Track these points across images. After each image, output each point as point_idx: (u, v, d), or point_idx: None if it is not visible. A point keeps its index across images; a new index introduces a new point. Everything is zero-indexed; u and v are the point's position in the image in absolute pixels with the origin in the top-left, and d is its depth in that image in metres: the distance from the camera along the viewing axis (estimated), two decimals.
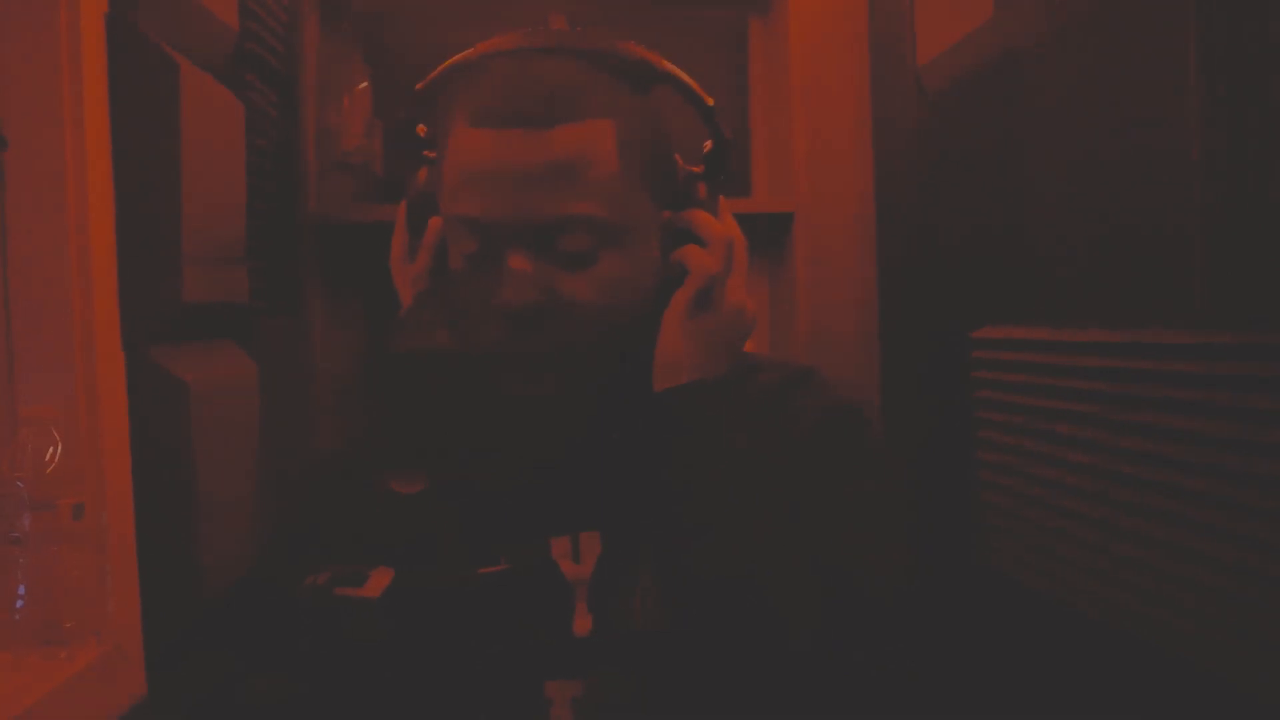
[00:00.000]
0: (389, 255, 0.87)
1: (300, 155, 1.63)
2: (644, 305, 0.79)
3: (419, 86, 0.85)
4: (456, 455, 0.79)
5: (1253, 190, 0.93)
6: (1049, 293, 1.26)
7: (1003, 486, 1.33)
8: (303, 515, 0.88)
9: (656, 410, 0.77)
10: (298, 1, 1.61)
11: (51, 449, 0.89)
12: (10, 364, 0.94)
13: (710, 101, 0.83)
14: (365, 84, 1.79)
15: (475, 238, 0.76)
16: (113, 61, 0.98)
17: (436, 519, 0.77)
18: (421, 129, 0.86)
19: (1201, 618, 0.97)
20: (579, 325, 0.75)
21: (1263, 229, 0.92)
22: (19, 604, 0.88)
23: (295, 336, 1.58)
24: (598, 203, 0.74)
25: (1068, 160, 1.22)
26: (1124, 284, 1.11)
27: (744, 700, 0.72)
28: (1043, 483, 1.24)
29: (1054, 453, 1.21)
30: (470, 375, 0.75)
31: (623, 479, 0.79)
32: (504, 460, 0.81)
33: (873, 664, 0.72)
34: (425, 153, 0.86)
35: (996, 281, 1.40)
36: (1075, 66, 1.21)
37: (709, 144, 0.85)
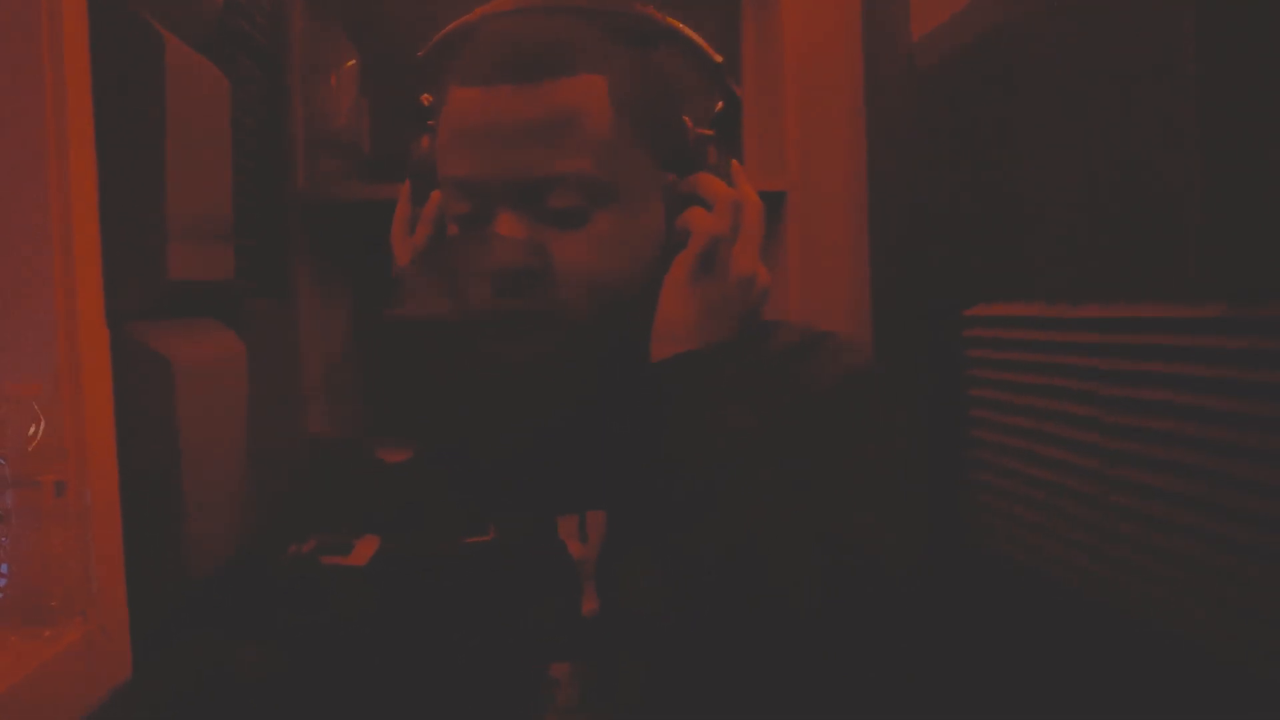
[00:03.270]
0: (384, 231, 0.85)
1: (287, 133, 1.61)
2: (645, 270, 0.77)
3: (420, 54, 0.84)
4: (447, 424, 0.78)
5: (1246, 164, 0.92)
6: (1042, 269, 1.26)
7: (997, 464, 1.33)
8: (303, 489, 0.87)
9: (654, 381, 0.75)
10: None
11: (34, 426, 0.88)
12: None
13: (718, 59, 0.81)
14: (353, 62, 1.77)
15: (466, 199, 0.75)
16: (95, 35, 0.96)
17: (424, 488, 0.76)
18: (426, 98, 0.85)
19: (1198, 594, 0.97)
20: (571, 286, 0.73)
21: (1256, 203, 0.91)
22: (2, 582, 0.87)
23: (283, 315, 1.57)
24: (588, 160, 0.73)
25: (1061, 136, 1.21)
26: (1117, 259, 1.11)
27: (751, 681, 0.70)
28: (1037, 460, 1.23)
29: (1048, 430, 1.21)
30: (463, 341, 0.74)
31: (629, 455, 0.76)
32: (497, 429, 0.79)
33: (876, 641, 0.70)
34: (429, 122, 0.84)
35: (990, 258, 1.39)
36: (1068, 41, 1.20)
37: (720, 105, 0.83)
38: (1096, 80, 1.14)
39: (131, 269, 1.02)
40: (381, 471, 0.74)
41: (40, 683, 0.84)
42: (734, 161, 0.82)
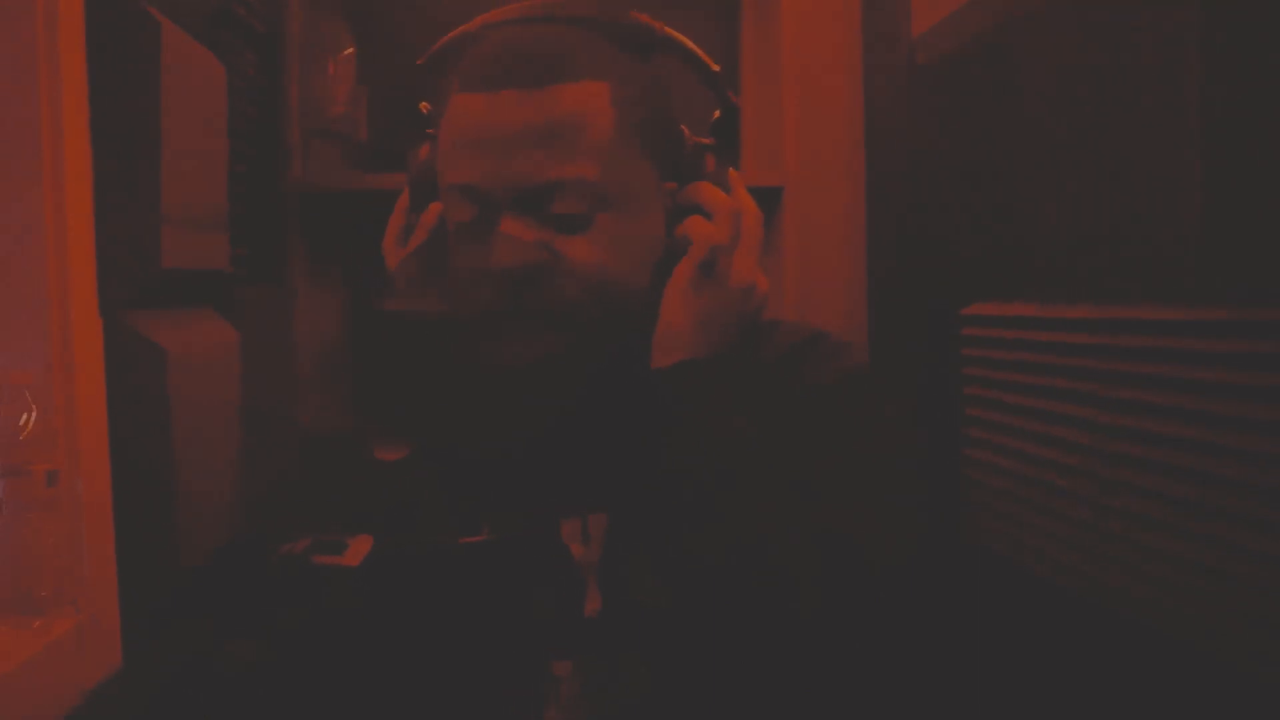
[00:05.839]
0: (381, 221, 0.85)
1: (284, 121, 1.60)
2: (645, 277, 0.77)
3: (420, 61, 0.84)
4: (444, 422, 0.78)
5: (1249, 165, 0.92)
6: (1039, 268, 1.26)
7: (991, 464, 1.33)
8: (297, 486, 0.87)
9: (654, 388, 0.75)
10: None
11: (25, 415, 0.87)
12: None
13: (715, 67, 0.82)
14: (350, 50, 1.76)
15: (471, 204, 0.74)
16: (91, 19, 0.95)
17: (420, 487, 0.76)
18: (425, 106, 0.84)
19: (1192, 595, 0.97)
20: (574, 287, 0.73)
21: (1257, 204, 0.91)
22: None
23: (277, 305, 1.56)
24: (592, 165, 0.73)
25: (1061, 134, 1.21)
26: (1115, 259, 1.11)
27: (751, 680, 0.70)
28: (1031, 460, 1.23)
29: (1043, 430, 1.21)
30: (462, 340, 0.74)
31: (630, 458, 0.77)
32: (496, 428, 0.79)
33: (873, 639, 0.71)
34: (428, 130, 0.84)
35: (987, 257, 1.39)
36: (1069, 38, 1.19)
37: (717, 114, 0.83)
38: (1097, 78, 1.14)
39: (125, 257, 1.01)
40: (377, 470, 0.74)
41: (30, 673, 0.83)
42: (731, 170, 0.82)
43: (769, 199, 1.84)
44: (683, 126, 0.81)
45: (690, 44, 0.81)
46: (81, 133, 0.95)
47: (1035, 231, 1.26)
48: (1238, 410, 0.91)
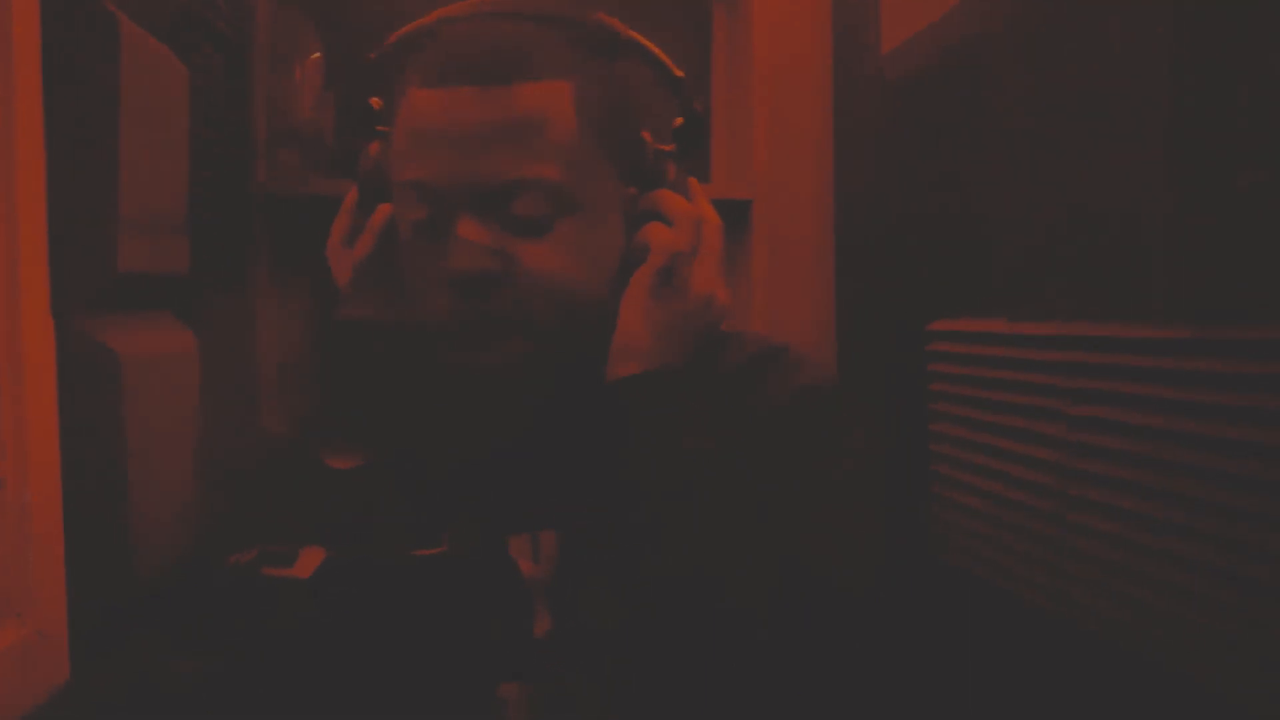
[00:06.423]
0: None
1: (249, 125, 1.58)
2: (605, 284, 0.75)
3: (372, 55, 0.82)
4: (400, 431, 0.76)
5: (1216, 185, 0.92)
6: (1006, 285, 1.26)
7: (957, 480, 1.33)
8: (248, 495, 0.84)
9: (609, 400, 0.74)
10: None
11: None
12: None
13: (679, 73, 0.80)
14: (318, 55, 1.74)
15: (424, 203, 0.72)
16: (46, 13, 0.93)
17: (374, 497, 0.74)
18: (376, 102, 0.82)
19: (1157, 614, 0.97)
20: (533, 294, 0.71)
21: (1224, 224, 0.91)
22: None
23: (239, 311, 1.54)
24: (554, 166, 0.71)
25: (1029, 151, 1.21)
26: (1083, 277, 1.11)
27: (706, 698, 0.69)
28: (997, 476, 1.23)
29: (1010, 446, 1.21)
30: (417, 348, 0.72)
31: (584, 472, 0.75)
32: (451, 438, 0.77)
33: (832, 656, 0.70)
34: (379, 127, 0.82)
35: (954, 273, 1.39)
36: (1038, 56, 1.20)
37: (679, 120, 0.82)
38: (1064, 95, 1.14)
39: (80, 259, 0.98)
40: (329, 478, 0.72)
41: None
42: (692, 179, 0.80)
43: (738, 212, 1.84)
44: (644, 133, 0.79)
45: (654, 48, 0.80)
46: (35, 130, 0.92)
47: (1003, 247, 1.27)
48: (1204, 429, 0.91)
